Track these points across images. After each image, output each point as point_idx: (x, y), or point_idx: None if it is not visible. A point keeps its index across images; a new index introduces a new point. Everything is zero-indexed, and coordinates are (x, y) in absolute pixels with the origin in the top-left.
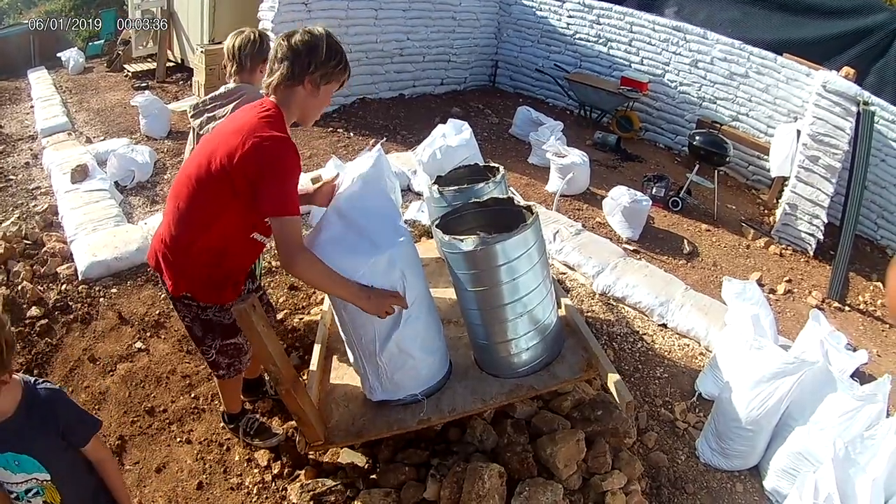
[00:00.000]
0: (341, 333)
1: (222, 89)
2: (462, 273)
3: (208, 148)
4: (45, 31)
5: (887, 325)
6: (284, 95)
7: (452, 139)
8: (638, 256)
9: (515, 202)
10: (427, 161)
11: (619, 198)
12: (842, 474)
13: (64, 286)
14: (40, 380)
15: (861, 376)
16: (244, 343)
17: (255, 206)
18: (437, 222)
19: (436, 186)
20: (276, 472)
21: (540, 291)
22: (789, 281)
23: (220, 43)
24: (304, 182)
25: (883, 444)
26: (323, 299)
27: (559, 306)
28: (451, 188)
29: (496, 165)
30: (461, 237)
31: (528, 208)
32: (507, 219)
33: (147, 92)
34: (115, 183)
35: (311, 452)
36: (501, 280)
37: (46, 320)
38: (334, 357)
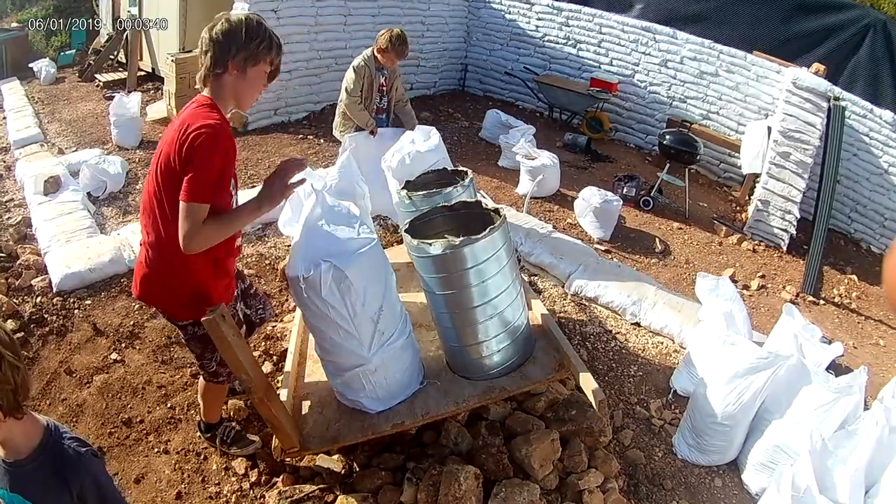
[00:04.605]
0: (327, 363)
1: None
2: (431, 277)
3: (158, 151)
4: (17, 41)
5: (862, 317)
6: (214, 86)
7: (421, 144)
8: (610, 256)
9: (483, 205)
10: (396, 166)
11: (589, 198)
12: (820, 466)
13: (39, 298)
14: (70, 433)
15: (837, 369)
16: None
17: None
18: (405, 227)
19: (405, 191)
20: (253, 479)
21: (510, 293)
22: (763, 276)
23: (191, 51)
24: None
25: (862, 434)
26: (295, 307)
27: (530, 308)
28: (419, 193)
29: (464, 169)
30: (430, 241)
31: (496, 211)
32: (475, 222)
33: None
34: (88, 194)
35: (287, 459)
36: (471, 283)
37: (22, 333)
38: (307, 364)
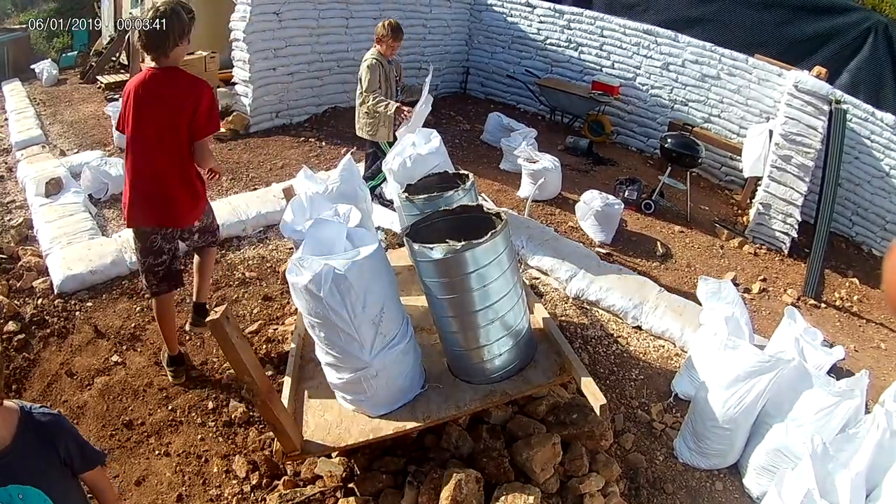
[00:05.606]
0: (328, 366)
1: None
2: (433, 281)
3: (159, 112)
4: (19, 42)
5: (864, 321)
6: (173, 55)
7: (422, 147)
8: (611, 260)
9: (485, 209)
10: (397, 170)
11: (591, 202)
12: (821, 470)
13: (40, 300)
14: (37, 405)
15: (838, 372)
16: None
17: (203, 126)
18: (407, 231)
19: (405, 195)
20: (254, 482)
21: (511, 297)
22: (764, 280)
23: (192, 53)
24: (276, 192)
25: (863, 438)
26: (297, 310)
27: (531, 311)
28: (420, 196)
29: (466, 173)
30: (431, 245)
31: (498, 215)
32: (477, 226)
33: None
34: (89, 196)
35: (288, 462)
36: (472, 287)
37: (23, 335)
38: (309, 367)
